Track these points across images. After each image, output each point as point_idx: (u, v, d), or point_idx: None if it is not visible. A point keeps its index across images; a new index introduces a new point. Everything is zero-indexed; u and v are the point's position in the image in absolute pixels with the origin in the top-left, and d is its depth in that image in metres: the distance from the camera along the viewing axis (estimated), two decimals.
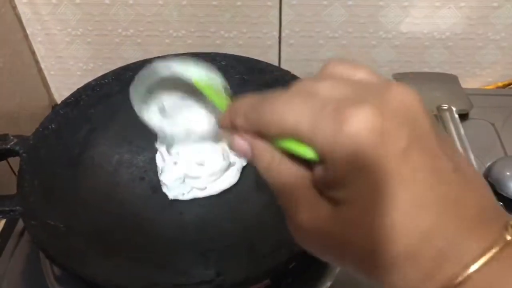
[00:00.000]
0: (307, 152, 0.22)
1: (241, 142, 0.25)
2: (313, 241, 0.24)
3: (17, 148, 0.47)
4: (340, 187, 0.21)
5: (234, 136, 0.26)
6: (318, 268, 0.46)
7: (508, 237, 0.20)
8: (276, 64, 0.69)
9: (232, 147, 0.26)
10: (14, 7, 0.65)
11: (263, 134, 0.24)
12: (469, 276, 0.19)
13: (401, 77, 0.67)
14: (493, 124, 0.62)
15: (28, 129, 0.50)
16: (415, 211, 0.20)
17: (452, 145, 0.23)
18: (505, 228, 0.20)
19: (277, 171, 0.24)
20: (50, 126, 0.49)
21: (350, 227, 0.22)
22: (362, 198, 0.21)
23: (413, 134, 0.21)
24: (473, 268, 0.19)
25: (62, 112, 0.51)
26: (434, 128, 0.22)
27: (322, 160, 0.22)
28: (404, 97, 0.21)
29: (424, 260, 0.20)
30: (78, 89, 0.53)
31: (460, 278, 0.20)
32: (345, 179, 0.21)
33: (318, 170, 0.22)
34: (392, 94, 0.21)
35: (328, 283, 0.46)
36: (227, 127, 0.26)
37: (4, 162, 0.52)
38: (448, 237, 0.20)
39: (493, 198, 0.23)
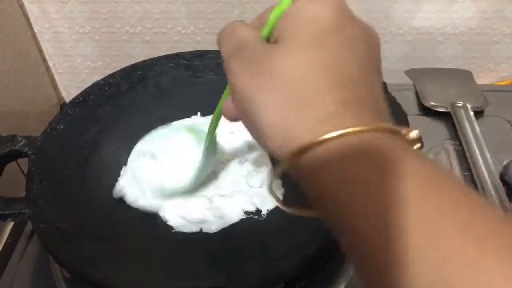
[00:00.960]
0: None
1: None
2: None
3: (25, 149, 0.46)
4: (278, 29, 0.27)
5: None
6: (331, 271, 0.45)
7: (379, 124, 0.23)
8: None
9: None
10: (22, 6, 0.64)
11: None
12: (324, 141, 0.23)
13: (414, 74, 0.66)
14: (509, 122, 0.61)
15: (36, 128, 0.50)
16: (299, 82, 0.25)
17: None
18: (380, 119, 0.24)
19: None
20: (58, 127, 0.49)
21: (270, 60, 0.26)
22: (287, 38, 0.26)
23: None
24: (329, 135, 0.22)
25: (70, 112, 0.50)
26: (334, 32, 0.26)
27: None
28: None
29: (305, 120, 0.24)
30: (86, 89, 0.52)
31: (320, 138, 0.23)
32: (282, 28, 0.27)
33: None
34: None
35: (342, 286, 0.45)
36: None
37: (13, 163, 0.51)
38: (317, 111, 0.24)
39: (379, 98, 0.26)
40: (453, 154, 0.57)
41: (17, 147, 0.46)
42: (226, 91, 0.32)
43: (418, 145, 0.24)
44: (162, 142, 0.48)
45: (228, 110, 0.30)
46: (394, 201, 0.20)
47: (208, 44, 0.67)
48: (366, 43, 0.27)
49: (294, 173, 0.24)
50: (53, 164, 0.46)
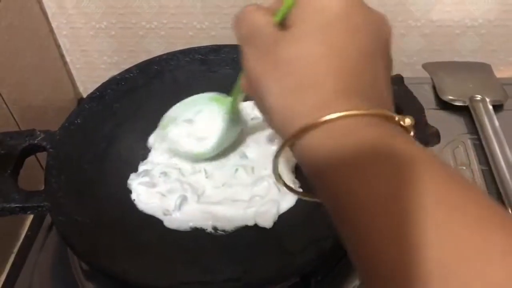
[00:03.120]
0: None
1: None
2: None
3: (44, 143, 0.47)
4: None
5: None
6: (348, 266, 0.45)
7: (384, 112, 0.25)
8: None
9: None
10: (40, 2, 0.65)
11: None
12: (322, 123, 0.24)
13: (431, 67, 0.65)
14: None
15: (55, 123, 0.50)
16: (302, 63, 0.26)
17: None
18: (381, 106, 0.25)
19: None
20: (76, 121, 0.49)
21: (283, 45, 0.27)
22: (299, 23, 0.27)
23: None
24: (327, 117, 0.24)
25: (87, 106, 0.51)
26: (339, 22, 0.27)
27: None
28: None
29: (304, 104, 0.25)
30: (103, 83, 0.53)
31: (318, 120, 0.24)
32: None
33: None
34: None
35: (358, 281, 0.45)
36: None
37: (32, 157, 0.52)
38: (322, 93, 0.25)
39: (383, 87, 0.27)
40: (471, 149, 0.56)
41: (36, 141, 0.47)
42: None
43: (412, 133, 0.26)
44: (191, 109, 0.49)
45: (244, 85, 0.32)
46: (387, 182, 0.22)
47: (224, 38, 0.67)
48: (374, 32, 0.27)
49: (295, 153, 0.26)
50: (71, 158, 0.47)
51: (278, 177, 0.30)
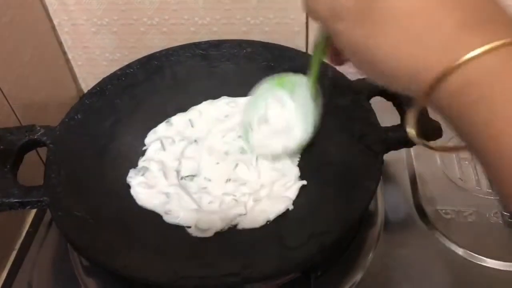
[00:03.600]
0: None
1: None
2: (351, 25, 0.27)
3: (44, 138, 0.47)
4: None
5: None
6: (348, 262, 0.45)
7: None
8: (304, 50, 0.68)
9: None
10: None
11: None
12: (462, 63, 0.21)
13: None
14: None
15: (56, 120, 0.50)
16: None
17: None
18: None
19: None
20: (76, 117, 0.49)
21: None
22: None
23: None
24: (471, 55, 0.21)
25: (88, 102, 0.51)
26: None
27: None
28: None
29: (428, 51, 0.23)
30: (103, 79, 0.53)
31: (456, 63, 0.21)
32: None
33: None
34: None
35: (359, 276, 0.45)
36: None
37: (33, 152, 0.52)
38: (449, 32, 0.23)
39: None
40: None
41: (35, 137, 0.47)
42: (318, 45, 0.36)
43: None
44: (259, 106, 0.47)
45: (334, 59, 0.32)
46: None
47: (226, 34, 0.66)
48: None
49: (434, 108, 0.24)
50: (71, 153, 0.47)
51: (412, 132, 0.28)
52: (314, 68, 0.41)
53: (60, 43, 0.70)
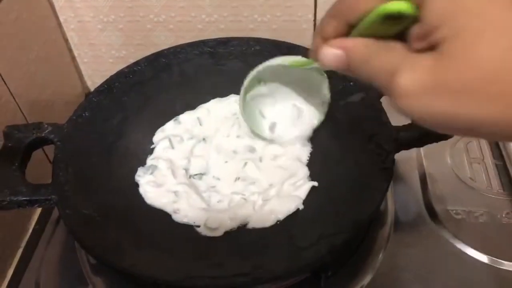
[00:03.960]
0: (403, 6, 0.23)
1: (332, 50, 0.26)
2: (427, 101, 0.22)
3: (51, 136, 0.46)
4: (440, 25, 0.21)
5: (323, 48, 0.27)
6: (358, 263, 0.44)
7: None
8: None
9: (324, 61, 0.27)
10: None
11: (351, 18, 0.26)
12: None
13: None
14: None
15: (62, 117, 0.50)
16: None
17: None
18: None
19: (376, 53, 0.24)
20: (83, 114, 0.49)
21: (455, 62, 0.21)
22: (463, 30, 0.21)
23: None
24: None
25: (95, 100, 0.50)
26: None
27: (417, 9, 0.23)
28: None
29: None
30: (111, 76, 0.53)
31: None
32: (445, 17, 0.21)
33: (414, 29, 0.23)
34: None
35: (369, 276, 0.44)
36: (316, 45, 0.28)
37: (39, 150, 0.52)
38: None
39: None
40: (484, 143, 0.55)
41: (43, 134, 0.46)
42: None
43: None
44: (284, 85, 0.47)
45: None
46: None
47: (233, 32, 0.66)
48: None
49: None
50: (79, 151, 0.46)
51: None
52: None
53: (66, 40, 0.70)
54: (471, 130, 0.22)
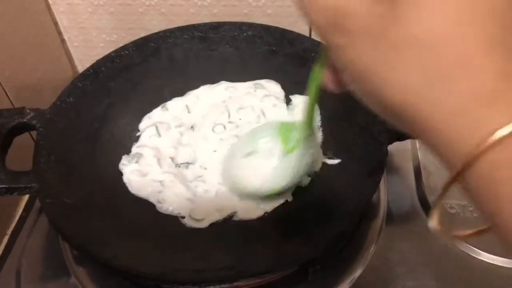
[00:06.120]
0: None
1: None
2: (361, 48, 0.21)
3: (33, 122, 0.45)
4: None
5: None
6: (348, 254, 0.43)
7: None
8: (307, 34, 0.65)
9: None
10: None
11: None
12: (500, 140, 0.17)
13: None
14: None
15: (51, 102, 0.48)
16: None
17: None
18: None
19: None
20: (68, 99, 0.47)
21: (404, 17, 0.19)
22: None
23: None
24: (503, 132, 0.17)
25: (80, 84, 0.49)
26: None
27: None
28: None
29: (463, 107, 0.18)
30: (97, 61, 0.51)
31: (489, 142, 0.17)
32: None
33: None
34: None
35: (359, 270, 0.43)
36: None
37: (26, 136, 0.51)
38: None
39: None
40: None
41: (25, 120, 0.45)
42: (317, 69, 0.29)
43: None
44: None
45: (331, 82, 0.27)
46: None
47: (226, 16, 0.64)
48: None
49: (467, 181, 0.19)
50: (62, 137, 0.45)
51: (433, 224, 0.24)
52: (310, 103, 0.34)
53: (56, 23, 0.68)
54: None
